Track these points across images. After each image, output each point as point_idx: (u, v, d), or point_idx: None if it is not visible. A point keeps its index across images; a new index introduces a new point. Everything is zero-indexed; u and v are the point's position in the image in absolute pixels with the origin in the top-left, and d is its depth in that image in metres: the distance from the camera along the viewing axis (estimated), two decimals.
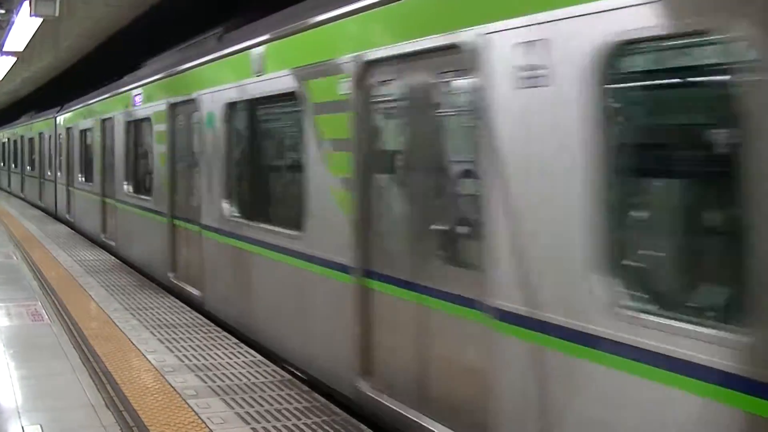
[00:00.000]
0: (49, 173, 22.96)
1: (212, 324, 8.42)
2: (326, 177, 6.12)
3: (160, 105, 10.83)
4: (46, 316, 8.73)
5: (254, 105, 7.93)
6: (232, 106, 8.26)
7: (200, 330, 8.14)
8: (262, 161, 8.27)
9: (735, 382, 3.05)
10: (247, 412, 5.64)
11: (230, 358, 7.03)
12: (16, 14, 13.50)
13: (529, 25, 3.99)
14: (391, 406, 5.31)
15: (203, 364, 6.83)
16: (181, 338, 7.76)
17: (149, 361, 6.90)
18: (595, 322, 3.66)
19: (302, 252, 6.56)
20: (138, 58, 13.83)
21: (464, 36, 4.50)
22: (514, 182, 4.17)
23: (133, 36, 16.35)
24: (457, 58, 4.58)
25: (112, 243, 14.32)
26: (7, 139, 33.79)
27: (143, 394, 6.01)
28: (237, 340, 7.69)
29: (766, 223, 2.95)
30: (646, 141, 3.76)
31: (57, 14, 10.95)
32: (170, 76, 10.63)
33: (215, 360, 6.98)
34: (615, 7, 3.51)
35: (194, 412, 5.63)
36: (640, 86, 3.81)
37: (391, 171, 5.52)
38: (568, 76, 3.77)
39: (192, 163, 9.64)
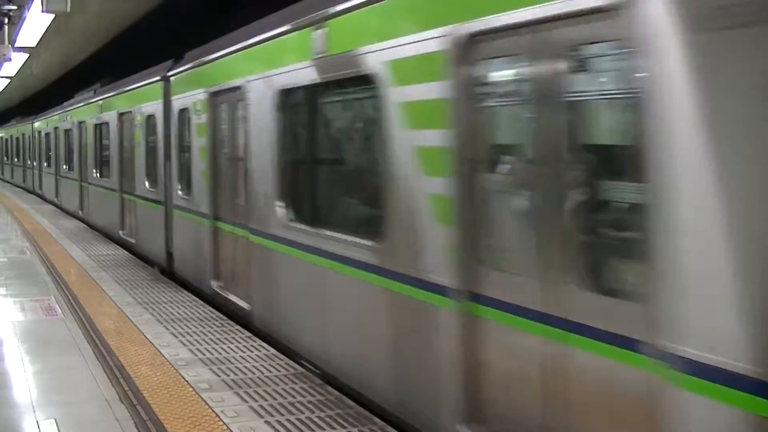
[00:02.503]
0: None
1: (225, 317, 8.42)
2: (416, 178, 5.09)
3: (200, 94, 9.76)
4: (60, 311, 8.75)
5: (316, 91, 6.81)
6: (287, 93, 7.22)
7: (213, 324, 8.14)
8: (325, 157, 7.12)
9: None
10: (261, 406, 5.63)
11: (244, 352, 7.03)
12: (28, 10, 13.52)
13: None
14: None
15: (217, 358, 6.83)
16: (194, 332, 7.76)
17: (163, 355, 6.90)
18: None
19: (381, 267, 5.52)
20: (150, 53, 13.82)
21: None
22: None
23: (145, 30, 16.36)
24: (606, 24, 3.61)
25: None
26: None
27: (157, 387, 6.01)
28: (250, 334, 7.69)
29: None
30: None
31: (68, 10, 10.94)
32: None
33: (229, 354, 6.98)
34: None
35: (208, 405, 5.63)
36: None
37: (508, 170, 4.49)
38: None
39: (239, 160, 8.45)
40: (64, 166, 22.24)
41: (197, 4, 13.14)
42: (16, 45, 16.89)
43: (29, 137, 30.93)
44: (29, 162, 31.59)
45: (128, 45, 17.84)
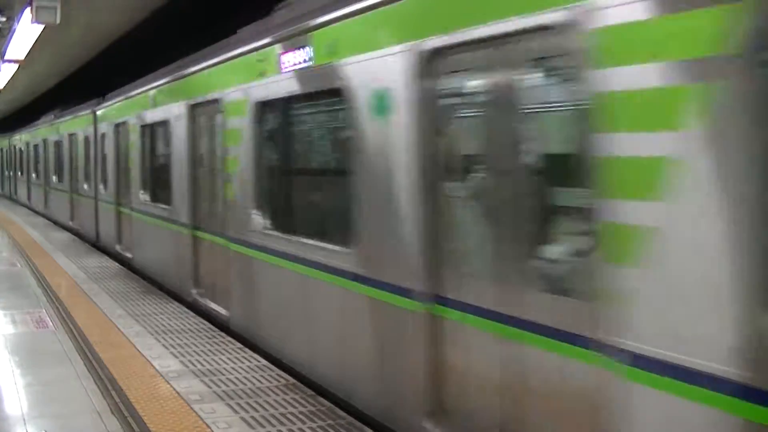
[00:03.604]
0: None
1: (216, 329, 8.42)
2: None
3: None
4: (51, 323, 8.74)
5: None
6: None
7: (204, 335, 8.14)
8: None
9: None
10: (252, 417, 5.64)
11: (235, 363, 7.03)
12: (18, 22, 13.51)
13: None
14: None
15: (208, 369, 6.83)
16: (185, 344, 7.76)
17: (154, 367, 6.90)
18: None
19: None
20: (140, 64, 13.84)
21: None
22: None
23: (134, 42, 16.39)
24: None
25: None
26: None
27: (148, 399, 6.01)
28: (241, 345, 7.69)
29: None
30: None
31: (58, 21, 10.96)
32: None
33: (220, 365, 6.98)
34: None
35: (199, 417, 5.63)
36: None
37: None
38: None
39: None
40: (264, 213, 7.73)
41: (186, 16, 13.18)
42: (6, 57, 16.88)
43: (85, 140, 17.27)
44: (81, 183, 17.98)
45: (120, 56, 17.86)
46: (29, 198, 28.06)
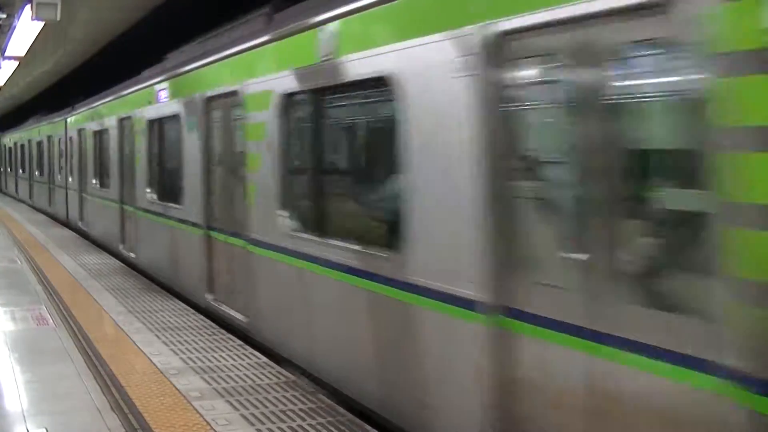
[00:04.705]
0: None
1: (216, 326, 8.42)
2: None
3: None
4: (51, 320, 8.74)
5: None
6: None
7: (204, 332, 8.14)
8: None
9: None
10: (252, 414, 5.64)
11: (235, 360, 7.03)
12: (18, 18, 13.51)
13: None
14: None
15: (208, 366, 6.83)
16: (185, 341, 7.76)
17: (154, 364, 6.90)
18: None
19: None
20: (140, 61, 13.83)
21: None
22: None
23: (135, 39, 16.38)
24: None
25: None
26: None
27: (148, 396, 6.01)
28: (242, 342, 7.69)
29: None
30: None
31: (58, 18, 10.95)
32: None
33: (220, 362, 6.98)
34: None
35: (199, 414, 5.63)
36: None
37: None
38: None
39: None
40: None
41: (186, 13, 13.17)
42: (6, 54, 16.87)
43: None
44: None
45: (120, 53, 17.84)
46: (121, 235, 14.05)
